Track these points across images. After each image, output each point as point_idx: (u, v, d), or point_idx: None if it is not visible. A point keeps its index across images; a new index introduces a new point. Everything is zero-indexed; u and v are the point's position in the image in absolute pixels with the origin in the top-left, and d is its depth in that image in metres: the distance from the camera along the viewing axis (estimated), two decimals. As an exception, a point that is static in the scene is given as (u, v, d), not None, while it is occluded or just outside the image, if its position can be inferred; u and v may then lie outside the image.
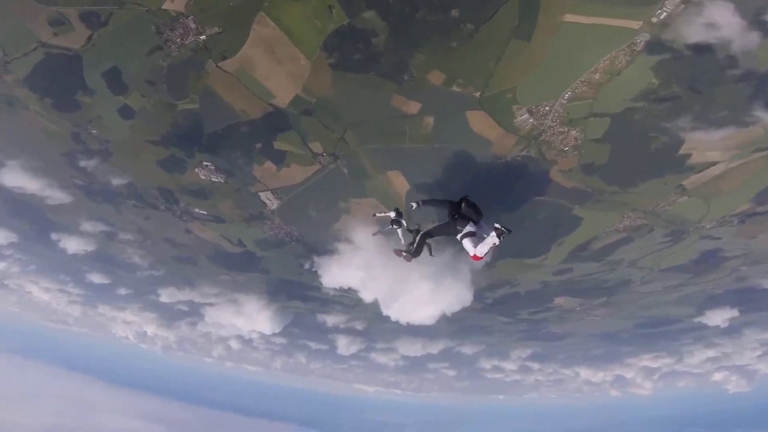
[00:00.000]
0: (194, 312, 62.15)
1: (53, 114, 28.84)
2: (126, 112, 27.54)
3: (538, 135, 25.16)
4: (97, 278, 56.50)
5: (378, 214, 13.74)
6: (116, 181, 35.74)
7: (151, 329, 73.03)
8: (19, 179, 36.78)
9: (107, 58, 24.74)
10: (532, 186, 29.66)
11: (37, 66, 25.09)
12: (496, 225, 9.86)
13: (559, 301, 49.83)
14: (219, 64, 23.54)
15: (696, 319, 53.06)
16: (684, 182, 27.83)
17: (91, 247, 46.87)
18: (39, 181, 37.35)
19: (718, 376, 76.67)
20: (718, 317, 50.08)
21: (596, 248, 36.52)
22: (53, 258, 53.91)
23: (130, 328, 76.74)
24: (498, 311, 53.71)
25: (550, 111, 23.65)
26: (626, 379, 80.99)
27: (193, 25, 22.03)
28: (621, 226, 33.09)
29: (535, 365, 76.75)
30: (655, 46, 19.98)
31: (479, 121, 24.90)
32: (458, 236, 10.89)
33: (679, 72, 20.73)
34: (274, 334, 61.13)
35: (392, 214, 13.24)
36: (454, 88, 23.11)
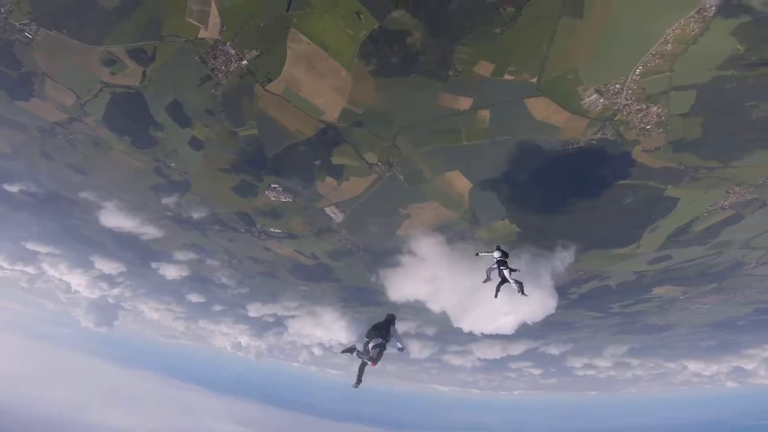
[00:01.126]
0: (279, 323, 66.26)
1: (135, 151, 31.59)
2: (195, 144, 29.38)
3: (613, 115, 22.04)
4: (194, 298, 62.43)
5: (481, 254, 13.38)
6: (200, 209, 38.77)
7: (244, 339, 79.20)
8: (116, 219, 41.89)
9: (165, 92, 26.38)
10: (613, 169, 26.33)
11: (109, 106, 27.47)
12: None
13: (658, 291, 43.94)
14: (266, 87, 23.94)
15: None
16: (800, 148, 22.69)
17: (185, 273, 52.02)
18: (133, 220, 42.16)
19: None
20: None
21: (698, 230, 31.51)
22: (156, 283, 60.41)
23: (226, 339, 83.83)
24: (586, 306, 48.92)
25: (623, 88, 20.55)
26: (746, 370, 70.26)
27: (232, 51, 22.61)
28: (726, 203, 28.07)
29: (634, 361, 69.19)
30: (729, 9, 16.83)
31: (541, 108, 22.40)
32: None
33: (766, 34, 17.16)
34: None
35: (496, 255, 12.72)
36: (506, 76, 21.00)
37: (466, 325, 39.74)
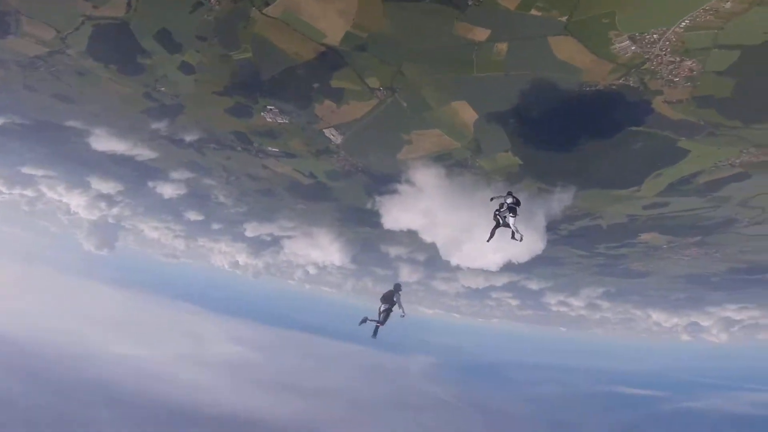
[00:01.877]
0: (276, 242, 67.22)
1: (122, 78, 30.13)
2: (186, 68, 27.68)
3: (641, 63, 19.91)
4: (193, 216, 62.57)
5: (494, 199, 13.76)
6: (194, 130, 37.72)
7: (242, 258, 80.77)
8: (107, 144, 41.13)
9: (153, 21, 24.32)
10: (628, 115, 24.72)
11: (92, 38, 25.63)
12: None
13: (645, 237, 44.30)
14: (263, 11, 21.46)
15: None
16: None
17: (182, 191, 51.21)
18: (126, 143, 41.28)
19: None
20: None
21: (701, 182, 30.67)
22: (154, 201, 60.16)
23: (225, 257, 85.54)
24: (573, 244, 49.71)
25: (660, 39, 18.21)
26: (701, 326, 74.28)
27: None
28: (738, 161, 27.00)
29: (605, 304, 72.64)
30: None
31: (566, 48, 20.12)
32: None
33: None
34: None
35: (509, 201, 13.13)
36: (534, 12, 18.42)
37: (454, 260, 40.49)
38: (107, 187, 58.26)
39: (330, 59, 24.09)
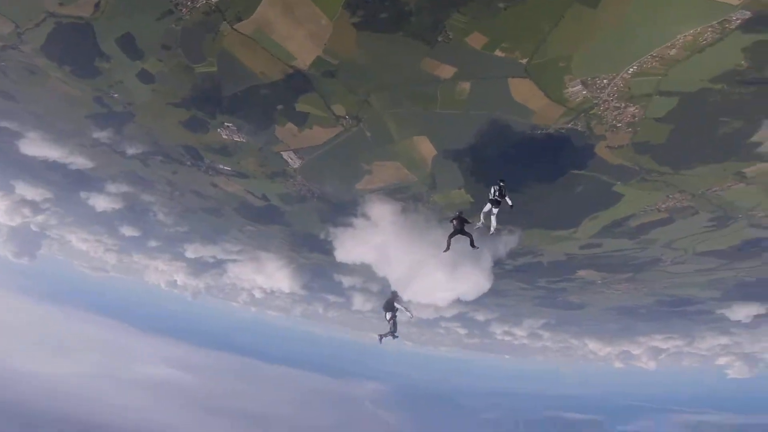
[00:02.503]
0: (218, 265, 63.08)
1: (74, 80, 28.25)
2: (145, 77, 26.42)
3: (590, 108, 21.63)
4: (128, 231, 57.35)
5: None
6: (142, 140, 35.24)
7: (180, 278, 74.78)
8: (39, 149, 37.51)
9: (118, 25, 23.29)
10: (572, 159, 26.65)
11: (51, 35, 24.25)
12: None
13: (582, 273, 47.30)
14: (234, 27, 20.99)
15: (719, 311, 50.00)
16: (745, 170, 24.12)
17: (118, 205, 47.09)
18: (62, 148, 37.81)
19: (722, 360, 74.18)
20: (743, 312, 46.66)
21: (632, 226, 33.49)
22: (86, 212, 54.71)
23: (162, 276, 78.79)
24: (517, 278, 51.91)
25: (609, 84, 19.97)
26: (633, 354, 79.94)
27: None
28: (664, 206, 29.76)
29: (546, 333, 76.39)
30: (755, 24, 16.09)
31: (523, 90, 21.44)
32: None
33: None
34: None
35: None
36: (498, 53, 19.58)
37: (405, 296, 40.58)
38: (34, 193, 52.17)
39: (297, 82, 23.77)
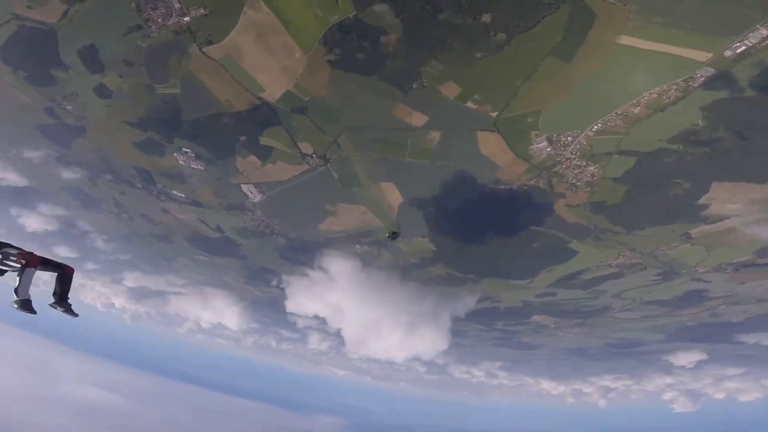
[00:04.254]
0: (161, 295, 57.73)
1: (27, 87, 26.09)
2: (102, 92, 24.46)
3: (552, 166, 21.73)
4: (63, 251, 51.30)
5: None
6: (91, 157, 32.27)
7: (119, 301, 68.00)
8: None
9: (83, 35, 21.84)
10: (532, 216, 26.82)
11: (11, 38, 22.57)
12: None
13: (536, 318, 47.84)
14: (203, 50, 19.76)
15: (664, 358, 51.80)
16: (691, 231, 25.03)
17: (51, 227, 42.58)
18: None
19: (668, 396, 77.40)
20: (686, 359, 48.63)
21: (585, 279, 34.06)
22: (16, 230, 48.92)
23: (99, 298, 71.41)
24: (476, 321, 51.49)
25: (573, 142, 20.18)
26: (584, 392, 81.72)
27: (177, 5, 18.38)
28: (615, 262, 30.41)
29: (502, 373, 76.45)
30: (717, 82, 16.72)
31: (490, 143, 21.27)
32: None
33: (733, 115, 17.57)
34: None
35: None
36: (470, 104, 19.35)
37: (361, 352, 38.90)
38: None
39: (263, 115, 22.42)
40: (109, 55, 22.28)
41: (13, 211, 42.64)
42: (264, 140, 24.63)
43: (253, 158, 26.56)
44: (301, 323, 52.76)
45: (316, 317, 48.64)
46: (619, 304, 40.03)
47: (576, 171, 21.80)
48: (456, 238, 30.92)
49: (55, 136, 30.60)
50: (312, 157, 24.93)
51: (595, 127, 19.37)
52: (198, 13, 18.42)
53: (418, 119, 20.83)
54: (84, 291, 71.57)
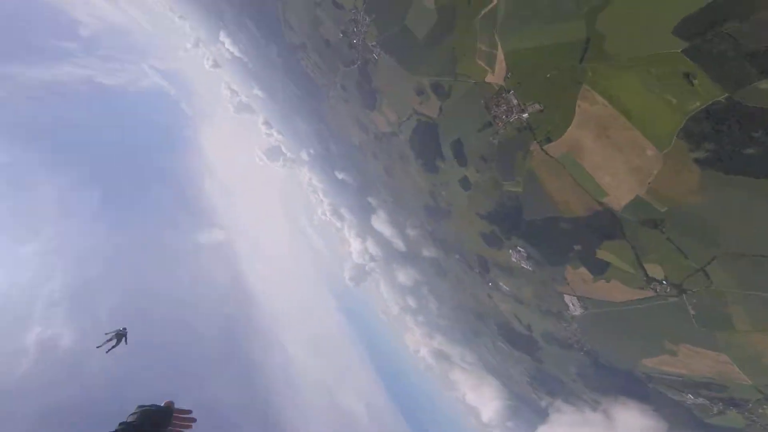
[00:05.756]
0: (448, 360, 63.31)
1: (421, 173, 34.81)
2: (465, 184, 29.42)
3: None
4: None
5: None
6: (449, 236, 40.46)
7: (424, 351, 76.54)
8: (382, 225, 48.29)
9: (453, 129, 26.63)
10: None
11: (415, 130, 30.17)
12: None
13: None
14: (543, 147, 20.16)
15: None
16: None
17: (409, 283, 56.43)
18: (392, 229, 48.78)
19: None
20: None
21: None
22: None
23: (412, 342, 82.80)
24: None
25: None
26: None
27: (514, 101, 20.08)
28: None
29: None
30: None
31: None
32: None
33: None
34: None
35: None
36: None
37: None
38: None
39: (603, 224, 19.90)
40: (470, 150, 26.34)
41: (395, 265, 58.30)
42: (601, 253, 21.81)
43: (584, 271, 24.13)
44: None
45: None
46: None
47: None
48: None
49: (432, 215, 39.35)
50: (661, 283, 19.77)
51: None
52: (534, 109, 19.17)
53: None
54: (408, 333, 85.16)
